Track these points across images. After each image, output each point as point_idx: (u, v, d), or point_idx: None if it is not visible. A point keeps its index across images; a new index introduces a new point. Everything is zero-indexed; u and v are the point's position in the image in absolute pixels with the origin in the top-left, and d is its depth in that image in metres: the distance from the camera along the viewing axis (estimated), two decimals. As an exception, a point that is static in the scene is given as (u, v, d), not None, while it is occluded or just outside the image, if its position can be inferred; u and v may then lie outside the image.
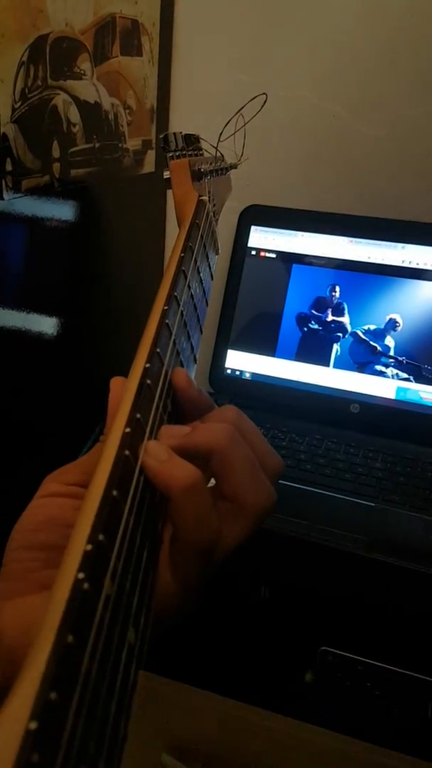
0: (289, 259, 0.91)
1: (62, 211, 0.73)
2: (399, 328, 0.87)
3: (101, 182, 0.78)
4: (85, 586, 0.19)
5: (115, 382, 0.31)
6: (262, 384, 0.91)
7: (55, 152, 0.68)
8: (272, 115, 0.88)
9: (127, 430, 0.25)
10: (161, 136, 0.47)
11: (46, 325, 0.73)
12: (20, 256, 0.67)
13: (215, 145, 0.54)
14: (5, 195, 0.61)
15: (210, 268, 0.43)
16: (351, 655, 0.70)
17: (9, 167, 0.61)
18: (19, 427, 0.70)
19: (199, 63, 0.91)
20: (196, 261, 0.38)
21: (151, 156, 0.89)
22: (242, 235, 0.93)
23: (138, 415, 0.25)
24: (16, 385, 0.68)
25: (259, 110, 0.56)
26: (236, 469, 0.28)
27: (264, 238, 0.92)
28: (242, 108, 0.55)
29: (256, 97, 0.56)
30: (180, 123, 0.93)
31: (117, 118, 0.79)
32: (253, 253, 0.93)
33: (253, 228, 0.93)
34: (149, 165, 0.89)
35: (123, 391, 0.28)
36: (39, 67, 0.63)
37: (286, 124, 0.91)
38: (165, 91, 0.91)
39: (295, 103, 0.89)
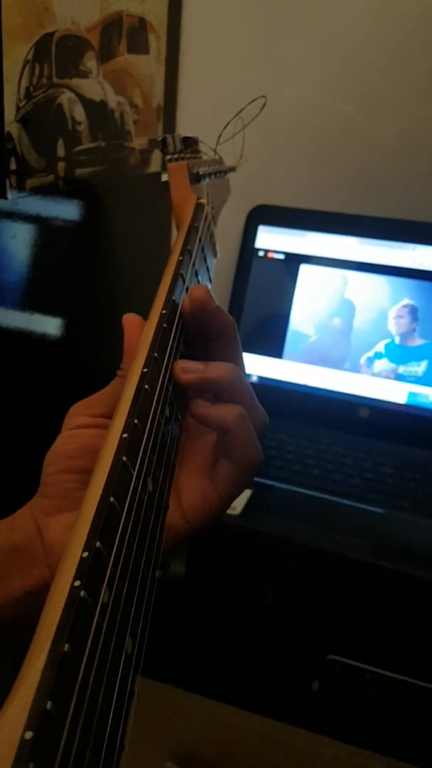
0: (297, 259, 0.90)
1: (67, 210, 0.72)
2: (410, 330, 0.85)
3: (107, 182, 0.77)
4: (82, 593, 0.19)
5: (128, 320, 0.34)
6: (269, 387, 0.90)
7: (60, 151, 0.67)
8: (281, 114, 0.87)
9: (125, 435, 0.25)
10: (159, 139, 0.47)
11: (49, 325, 0.73)
12: (24, 257, 0.66)
13: (214, 148, 0.53)
14: (9, 194, 0.60)
15: (209, 271, 0.43)
16: (358, 664, 0.69)
17: (13, 166, 0.60)
18: (16, 427, 0.69)
19: (206, 61, 0.91)
20: (194, 264, 0.38)
21: (157, 155, 0.88)
22: (250, 235, 0.92)
23: (136, 421, 0.26)
24: (16, 384, 0.68)
25: (258, 113, 0.55)
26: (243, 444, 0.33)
27: (272, 239, 0.91)
28: (241, 110, 0.54)
29: (255, 99, 0.55)
30: (187, 121, 0.93)
31: (123, 116, 0.79)
32: (261, 253, 0.92)
33: (261, 228, 0.92)
34: (156, 164, 0.89)
35: (123, 393, 0.28)
36: (44, 65, 0.63)
37: (296, 124, 0.90)
38: (172, 89, 0.90)
39: (304, 102, 0.89)
